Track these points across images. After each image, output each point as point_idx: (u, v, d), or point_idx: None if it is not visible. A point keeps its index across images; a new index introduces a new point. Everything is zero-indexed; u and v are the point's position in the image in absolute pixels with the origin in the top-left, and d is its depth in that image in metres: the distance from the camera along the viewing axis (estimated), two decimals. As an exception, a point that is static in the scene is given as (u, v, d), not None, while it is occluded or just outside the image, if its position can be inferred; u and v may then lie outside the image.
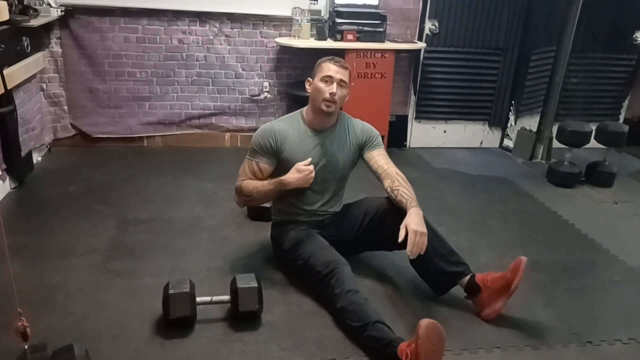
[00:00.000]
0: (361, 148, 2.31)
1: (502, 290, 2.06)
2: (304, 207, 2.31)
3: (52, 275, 2.26)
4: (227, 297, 2.02)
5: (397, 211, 2.14)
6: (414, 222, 1.98)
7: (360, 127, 2.33)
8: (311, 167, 2.14)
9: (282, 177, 2.15)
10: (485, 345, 1.99)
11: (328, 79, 2.16)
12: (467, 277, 2.15)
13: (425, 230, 1.99)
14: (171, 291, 1.93)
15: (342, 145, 2.28)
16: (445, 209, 3.19)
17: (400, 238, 1.96)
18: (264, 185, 2.19)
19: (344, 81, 2.17)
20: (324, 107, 2.17)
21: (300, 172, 2.12)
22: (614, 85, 4.60)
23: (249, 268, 2.36)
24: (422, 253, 1.97)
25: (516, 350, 1.98)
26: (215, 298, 2.04)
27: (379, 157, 2.27)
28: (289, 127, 2.25)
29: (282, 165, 2.23)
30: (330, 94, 2.14)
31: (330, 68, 2.17)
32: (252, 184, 2.21)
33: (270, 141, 2.21)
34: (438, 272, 2.16)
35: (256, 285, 2.00)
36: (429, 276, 2.21)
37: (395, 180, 2.18)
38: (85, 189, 3.17)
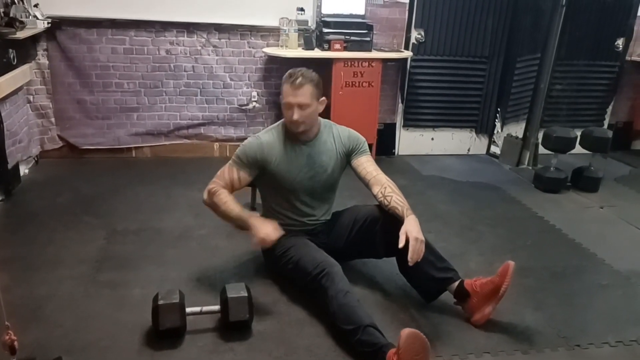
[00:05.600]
0: (348, 155, 2.30)
1: (491, 295, 2.08)
2: (294, 217, 2.32)
3: (41, 287, 2.24)
4: (217, 307, 2.02)
5: (386, 218, 2.16)
6: (414, 230, 1.99)
7: (347, 134, 2.32)
8: (277, 236, 2.08)
9: (252, 220, 2.11)
10: (475, 350, 2.00)
11: (288, 106, 2.14)
12: (456, 283, 2.16)
13: (423, 238, 2.00)
14: (161, 302, 1.92)
15: (329, 154, 2.28)
16: (434, 215, 3.21)
17: (401, 244, 1.95)
18: (234, 210, 2.16)
19: (303, 103, 2.11)
20: (293, 128, 2.18)
21: (269, 233, 2.05)
22: (597, 91, 4.67)
23: (239, 277, 2.36)
24: (419, 260, 1.98)
25: (506, 355, 1.99)
26: (205, 308, 2.03)
27: (367, 164, 2.27)
28: (276, 140, 2.24)
29: (270, 176, 2.24)
30: (292, 120, 2.14)
31: (287, 93, 2.13)
32: (225, 201, 2.17)
33: (256, 155, 2.20)
34: (427, 279, 2.16)
35: (246, 294, 1.99)
36: (418, 283, 2.22)
37: (386, 187, 2.19)
38: (74, 201, 3.15)
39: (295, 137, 2.23)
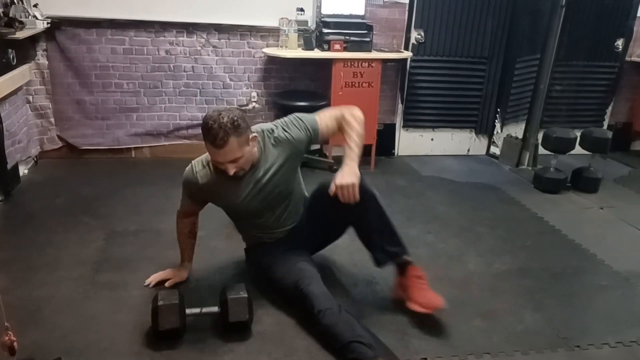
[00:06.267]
0: (301, 152, 2.14)
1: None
2: (263, 233, 2.28)
3: (40, 289, 2.24)
4: (216, 308, 2.01)
5: (320, 196, 2.17)
6: (338, 177, 1.94)
7: (288, 138, 2.09)
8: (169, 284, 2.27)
9: (173, 269, 2.34)
10: (475, 351, 2.00)
11: (218, 164, 1.98)
12: (403, 259, 2.19)
13: (351, 179, 1.93)
14: (160, 303, 1.91)
15: (276, 170, 2.10)
16: (433, 216, 3.21)
17: (331, 192, 1.95)
18: (180, 247, 2.35)
19: (233, 158, 1.92)
20: (235, 176, 2.01)
21: (163, 277, 2.30)
22: (597, 92, 4.67)
23: (239, 278, 2.36)
24: (356, 200, 1.95)
25: (505, 355, 1.99)
26: (205, 309, 2.03)
27: (324, 129, 2.12)
28: (213, 178, 2.08)
29: (221, 207, 2.25)
30: (230, 175, 1.98)
31: (211, 152, 1.94)
32: (180, 235, 2.33)
33: (197, 191, 2.15)
34: (377, 248, 2.17)
35: (246, 295, 1.99)
36: (369, 248, 2.21)
37: (343, 125, 2.10)
38: (73, 201, 3.15)
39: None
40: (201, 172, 2.10)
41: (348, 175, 1.95)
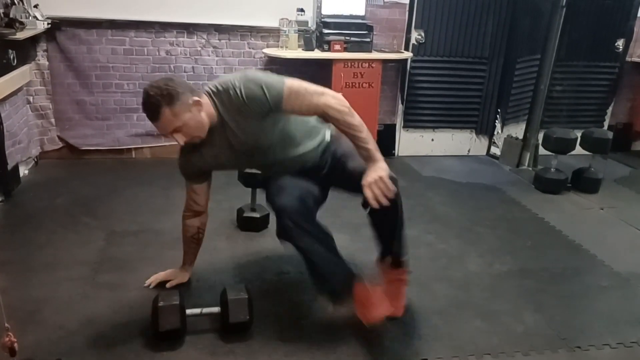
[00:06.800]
0: (268, 112, 1.86)
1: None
2: (271, 170, 2.10)
3: (40, 289, 2.23)
4: (217, 309, 2.01)
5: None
6: (367, 176, 1.81)
7: (242, 102, 1.84)
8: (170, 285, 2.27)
9: (173, 270, 2.33)
10: (476, 352, 2.00)
11: (168, 137, 1.90)
12: (400, 260, 2.14)
13: (381, 173, 1.81)
14: (160, 303, 1.91)
15: (242, 129, 1.90)
16: (434, 217, 3.21)
17: (372, 204, 1.81)
18: (184, 249, 2.32)
19: (174, 128, 1.81)
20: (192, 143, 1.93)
21: (163, 278, 2.29)
22: (597, 92, 4.67)
23: (239, 279, 2.36)
24: (389, 197, 1.81)
25: (506, 356, 1.99)
26: (205, 310, 2.02)
27: (298, 107, 1.87)
28: (194, 149, 1.99)
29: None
30: (183, 145, 1.90)
31: (155, 127, 1.85)
32: (184, 237, 2.29)
33: (191, 168, 2.09)
34: (385, 243, 2.13)
35: (246, 296, 1.99)
36: (377, 239, 2.15)
37: (339, 124, 1.88)
38: (73, 202, 3.15)
39: (203, 141, 1.94)
40: (187, 147, 1.96)
41: (373, 171, 1.82)
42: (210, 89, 1.90)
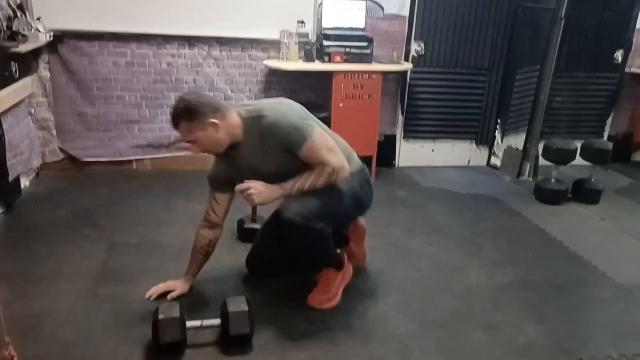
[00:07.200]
0: (284, 149, 2.04)
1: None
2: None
3: (41, 302, 2.23)
4: (217, 321, 2.01)
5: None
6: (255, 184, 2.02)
7: (267, 133, 2.02)
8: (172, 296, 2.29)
9: (176, 281, 2.34)
10: (478, 364, 1.99)
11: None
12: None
13: (256, 189, 2.00)
14: (161, 316, 1.91)
15: (264, 154, 2.06)
16: (435, 228, 3.21)
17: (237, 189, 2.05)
18: (192, 257, 2.35)
19: (189, 140, 2.01)
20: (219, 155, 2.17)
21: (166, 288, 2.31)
22: (597, 103, 4.69)
23: (240, 290, 2.36)
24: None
25: (508, 369, 1.99)
26: (206, 322, 2.02)
27: (309, 157, 2.03)
28: (220, 160, 2.22)
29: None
30: (195, 154, 2.13)
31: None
32: (194, 248, 2.32)
33: (216, 177, 2.25)
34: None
35: (247, 308, 1.98)
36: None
37: (319, 169, 2.04)
38: (74, 213, 3.15)
39: (225, 154, 2.13)
40: (220, 155, 2.18)
41: (259, 184, 2.02)
42: (243, 111, 2.07)
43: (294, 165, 2.06)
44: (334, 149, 2.07)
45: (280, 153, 2.04)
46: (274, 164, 2.07)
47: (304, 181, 2.04)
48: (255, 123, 2.03)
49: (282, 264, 2.38)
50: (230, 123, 2.03)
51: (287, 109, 2.07)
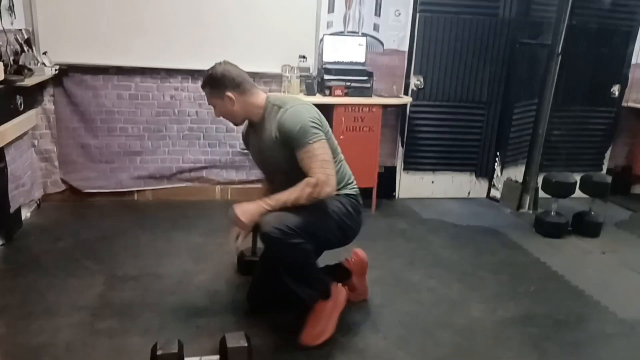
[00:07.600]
0: (286, 145, 2.15)
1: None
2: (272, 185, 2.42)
3: (39, 336, 2.21)
4: (216, 357, 1.98)
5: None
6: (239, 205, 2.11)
7: (281, 123, 2.15)
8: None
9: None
10: (480, 403, 1.96)
11: None
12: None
13: (241, 209, 2.08)
14: (159, 352, 1.88)
15: (266, 139, 2.24)
16: (435, 260, 3.20)
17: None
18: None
19: (210, 104, 2.30)
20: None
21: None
22: (595, 136, 4.73)
23: (239, 325, 2.34)
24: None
25: (511, 407, 1.95)
26: (205, 358, 1.99)
27: (303, 162, 2.11)
28: (247, 126, 2.45)
29: None
30: (216, 116, 2.33)
31: None
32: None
33: (243, 135, 2.53)
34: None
35: (246, 344, 1.96)
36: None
37: (304, 184, 2.09)
38: (74, 245, 3.15)
39: (249, 124, 2.40)
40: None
41: (245, 204, 2.11)
42: (273, 97, 2.28)
43: (294, 166, 2.12)
44: (328, 166, 2.12)
45: (282, 148, 2.15)
46: (277, 155, 2.20)
47: (288, 195, 2.09)
48: (275, 110, 2.20)
49: (280, 295, 2.35)
50: (249, 101, 2.24)
51: (305, 111, 2.18)
